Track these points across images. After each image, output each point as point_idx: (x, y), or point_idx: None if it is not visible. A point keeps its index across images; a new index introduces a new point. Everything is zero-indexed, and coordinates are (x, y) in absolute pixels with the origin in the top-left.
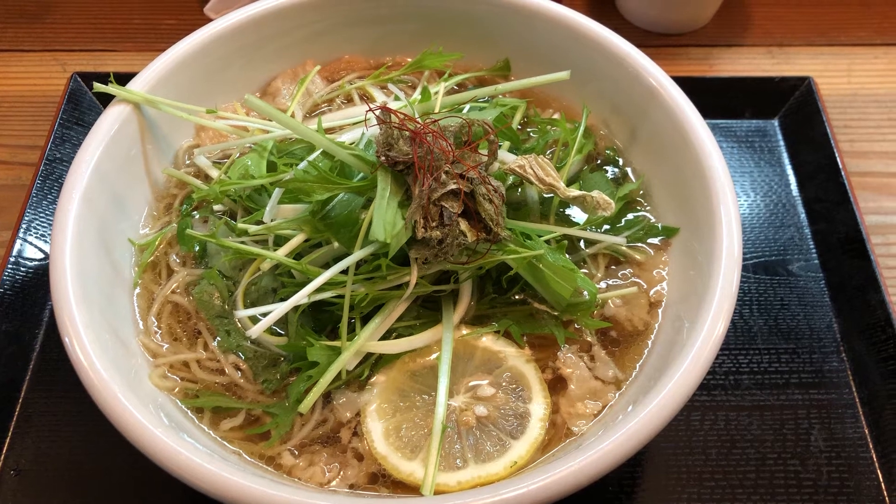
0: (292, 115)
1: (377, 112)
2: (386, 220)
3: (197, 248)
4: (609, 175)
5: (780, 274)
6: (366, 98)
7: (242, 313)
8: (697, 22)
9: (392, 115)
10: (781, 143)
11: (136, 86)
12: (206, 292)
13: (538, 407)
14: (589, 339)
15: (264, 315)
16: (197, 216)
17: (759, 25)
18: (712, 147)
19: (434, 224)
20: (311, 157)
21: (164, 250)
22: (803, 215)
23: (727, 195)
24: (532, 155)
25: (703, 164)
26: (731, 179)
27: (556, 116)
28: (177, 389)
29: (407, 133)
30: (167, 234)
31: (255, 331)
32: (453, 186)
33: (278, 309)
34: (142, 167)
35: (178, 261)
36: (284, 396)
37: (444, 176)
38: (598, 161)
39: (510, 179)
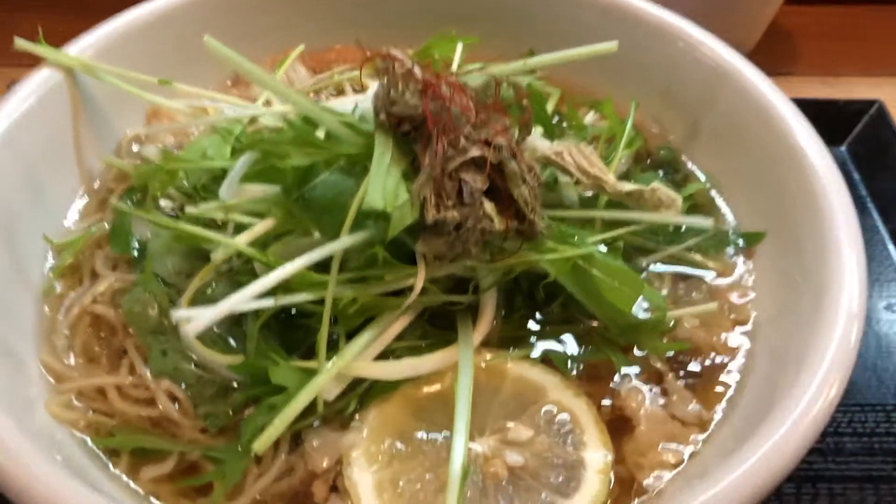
0: (267, 104)
1: (377, 62)
2: (386, 188)
3: (136, 247)
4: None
5: (877, 313)
6: (359, 91)
7: (183, 313)
8: (740, 48)
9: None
10: (854, 171)
11: (73, 51)
12: (140, 302)
13: (596, 454)
14: (659, 366)
15: None
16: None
17: (807, 56)
18: (810, 137)
19: (450, 203)
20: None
21: (89, 253)
22: (891, 247)
23: (841, 195)
24: (572, 141)
25: (799, 156)
26: (842, 181)
27: (591, 115)
28: (84, 423)
29: (416, 85)
30: (95, 234)
31: (193, 328)
32: (476, 153)
33: (231, 300)
34: (72, 151)
35: (107, 265)
36: (235, 437)
37: (463, 141)
38: (649, 161)
39: (542, 174)
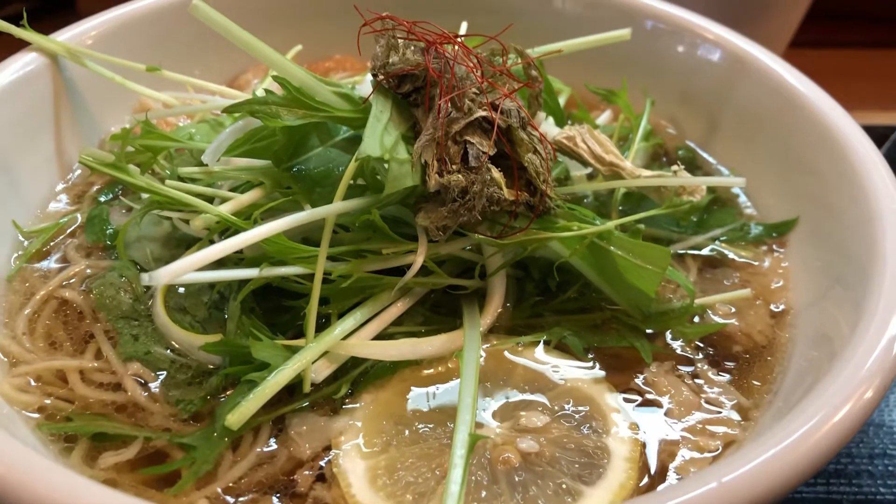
0: None
1: (374, 23)
2: (384, 143)
3: (109, 232)
4: None
5: None
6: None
7: (154, 272)
8: None
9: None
10: None
11: (62, 37)
12: (113, 286)
13: (622, 441)
14: (689, 354)
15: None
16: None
17: None
18: (840, 115)
19: (454, 168)
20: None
21: (61, 241)
22: None
23: (880, 170)
24: (585, 125)
25: (832, 136)
26: (879, 155)
27: (605, 116)
28: (38, 407)
29: (420, 44)
30: (68, 223)
31: (160, 277)
32: (482, 113)
33: (205, 251)
34: (51, 140)
35: (79, 252)
36: (210, 425)
37: (468, 103)
38: (666, 160)
39: (553, 168)
